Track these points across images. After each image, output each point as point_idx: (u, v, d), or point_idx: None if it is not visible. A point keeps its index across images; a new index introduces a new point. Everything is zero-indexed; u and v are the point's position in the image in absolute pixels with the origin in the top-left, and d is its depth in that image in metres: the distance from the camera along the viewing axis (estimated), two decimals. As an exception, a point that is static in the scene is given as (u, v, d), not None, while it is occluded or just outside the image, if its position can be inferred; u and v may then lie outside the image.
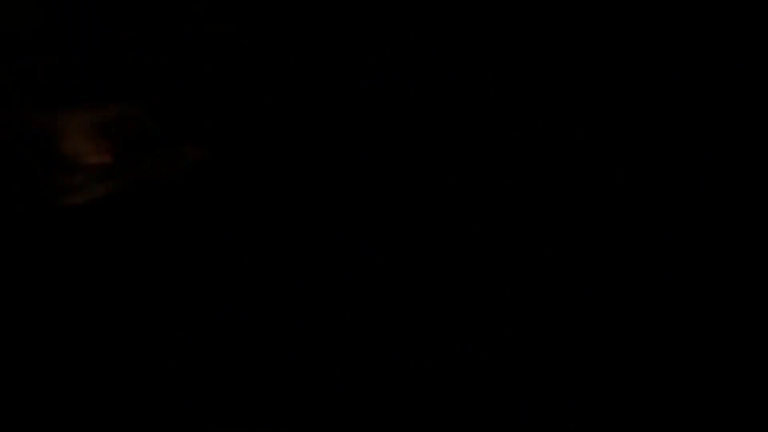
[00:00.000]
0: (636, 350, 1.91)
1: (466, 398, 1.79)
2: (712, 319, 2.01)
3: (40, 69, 3.57)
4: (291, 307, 2.22)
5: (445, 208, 2.68)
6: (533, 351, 1.93)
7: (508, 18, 3.17)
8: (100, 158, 3.43)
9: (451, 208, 2.68)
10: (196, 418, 1.80)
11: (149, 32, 3.79)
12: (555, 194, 2.66)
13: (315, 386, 1.87)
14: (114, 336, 2.15)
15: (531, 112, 2.98)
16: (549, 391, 1.78)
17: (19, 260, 2.51)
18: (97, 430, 1.74)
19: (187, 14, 3.61)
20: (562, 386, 1.80)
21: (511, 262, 2.34)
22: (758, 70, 2.70)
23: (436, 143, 2.98)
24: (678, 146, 2.72)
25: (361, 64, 3.35)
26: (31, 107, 3.40)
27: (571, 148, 2.82)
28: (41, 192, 3.04)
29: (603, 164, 2.74)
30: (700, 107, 2.76)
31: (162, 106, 3.34)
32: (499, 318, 2.08)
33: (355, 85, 3.28)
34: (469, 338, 2.00)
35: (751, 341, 1.91)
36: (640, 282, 2.20)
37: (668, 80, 2.85)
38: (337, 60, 3.32)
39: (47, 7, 3.91)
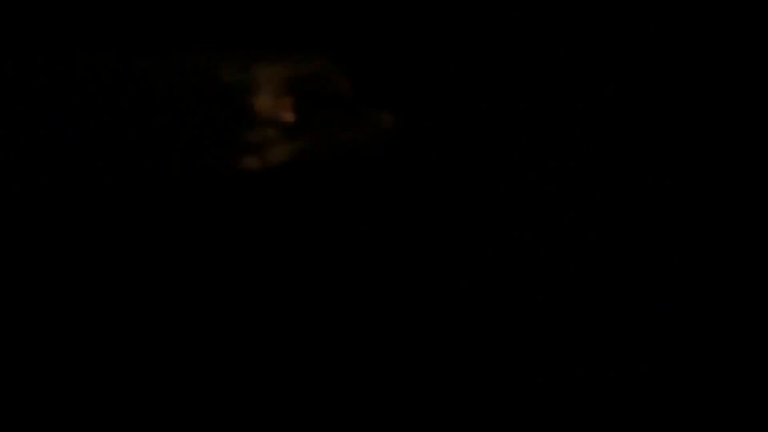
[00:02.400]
0: (636, 350, 2.14)
1: (466, 398, 2.01)
2: (712, 319, 2.25)
3: (227, 13, 3.49)
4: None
5: (445, 208, 2.63)
6: (533, 351, 2.15)
7: (509, 18, 3.02)
8: (287, 116, 3.24)
9: (452, 208, 2.62)
10: (197, 417, 1.95)
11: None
12: (555, 194, 2.56)
13: (315, 386, 2.04)
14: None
15: (531, 112, 2.92)
16: (549, 391, 2.02)
17: (189, 223, 2.56)
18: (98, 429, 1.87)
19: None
20: (562, 386, 2.04)
21: (511, 262, 2.56)
22: (758, 70, 2.52)
23: (437, 143, 2.92)
24: (678, 146, 2.61)
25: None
26: (216, 56, 3.26)
27: (571, 148, 2.75)
28: (221, 149, 2.90)
29: (603, 164, 2.66)
30: (700, 107, 2.62)
31: (361, 65, 3.14)
32: (500, 318, 2.33)
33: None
34: (469, 338, 2.22)
35: (751, 341, 2.13)
36: (639, 282, 2.43)
37: (668, 80, 2.72)
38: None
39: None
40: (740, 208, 2.34)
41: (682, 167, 2.53)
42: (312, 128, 2.82)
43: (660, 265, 2.39)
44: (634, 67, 2.73)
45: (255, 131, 2.65)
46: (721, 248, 2.41)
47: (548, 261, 2.33)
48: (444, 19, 3.15)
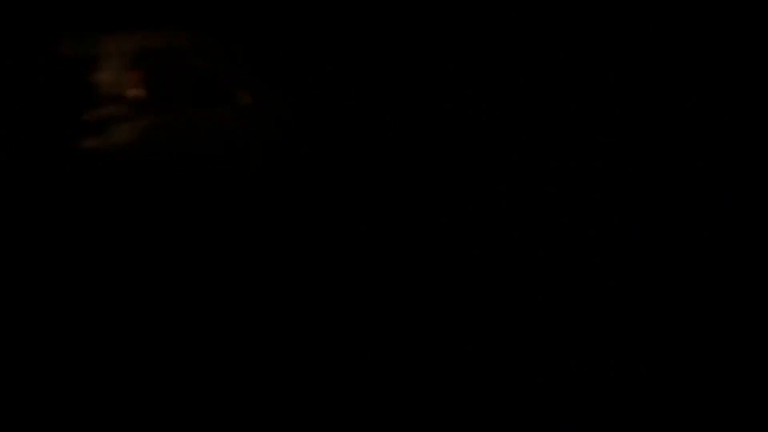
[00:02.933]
0: (635, 350, 1.90)
1: (465, 398, 1.76)
2: (712, 319, 1.99)
3: None
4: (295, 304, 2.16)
5: (445, 208, 2.58)
6: (533, 351, 1.91)
7: (508, 18, 2.96)
8: (135, 91, 3.09)
9: (451, 208, 2.57)
10: (197, 418, 1.77)
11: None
12: (554, 194, 2.54)
13: (315, 386, 1.86)
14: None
15: (531, 113, 2.81)
16: (549, 391, 1.77)
17: (38, 200, 2.39)
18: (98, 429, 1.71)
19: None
20: (561, 386, 1.78)
21: (511, 262, 2.28)
22: (758, 70, 2.55)
23: (436, 143, 2.80)
24: (677, 146, 2.59)
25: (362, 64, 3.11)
26: (63, 34, 3.07)
27: (570, 149, 2.69)
28: (70, 125, 2.73)
29: (603, 164, 2.60)
30: (700, 107, 2.62)
31: (214, 39, 3.05)
32: (499, 318, 2.04)
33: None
34: (469, 338, 1.96)
35: (750, 341, 1.90)
36: (639, 282, 2.16)
37: (668, 80, 2.70)
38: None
39: None
40: (740, 208, 2.32)
41: (682, 167, 2.48)
42: (162, 105, 2.65)
43: (660, 264, 2.20)
44: (634, 68, 2.62)
45: (100, 107, 2.49)
46: (721, 248, 2.22)
47: (547, 261, 2.26)
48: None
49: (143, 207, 2.47)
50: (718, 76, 2.62)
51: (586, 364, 1.88)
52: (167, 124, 2.93)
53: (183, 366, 1.92)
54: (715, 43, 2.63)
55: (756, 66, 2.56)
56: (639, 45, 2.76)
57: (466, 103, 2.85)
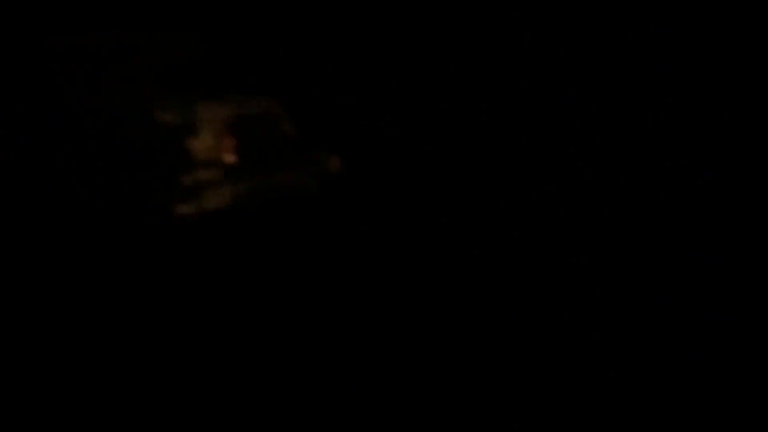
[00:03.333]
0: (635, 350, 1.90)
1: (465, 398, 1.76)
2: (712, 319, 1.98)
3: (175, 54, 3.42)
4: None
5: (445, 208, 2.65)
6: (533, 351, 1.91)
7: (509, 18, 3.09)
8: (230, 157, 3.18)
9: (452, 208, 2.63)
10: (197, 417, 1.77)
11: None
12: (554, 194, 2.59)
13: (315, 386, 1.85)
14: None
15: (531, 113, 2.95)
16: (549, 391, 1.75)
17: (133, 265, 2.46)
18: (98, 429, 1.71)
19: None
20: (561, 386, 1.77)
21: (511, 262, 2.32)
22: (758, 70, 2.70)
23: (437, 143, 2.95)
24: (677, 146, 2.70)
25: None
26: (161, 96, 3.19)
27: (570, 149, 2.80)
28: (165, 190, 2.82)
29: (603, 164, 2.71)
30: (700, 107, 2.75)
31: (303, 106, 3.12)
32: (499, 318, 2.07)
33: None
34: (468, 338, 1.99)
35: (750, 341, 1.89)
36: (638, 281, 2.17)
37: (668, 80, 2.83)
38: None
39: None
40: (740, 208, 2.39)
41: (682, 167, 2.59)
42: (255, 170, 2.73)
43: (659, 264, 2.24)
44: (634, 68, 2.64)
45: (196, 173, 2.56)
46: (721, 248, 2.26)
47: (547, 260, 2.32)
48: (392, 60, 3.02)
49: (234, 270, 2.51)
50: (719, 76, 2.71)
51: (586, 363, 1.87)
52: (259, 188, 2.99)
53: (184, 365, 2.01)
54: (715, 43, 2.73)
55: (756, 66, 2.65)
56: (639, 45, 2.85)
57: (467, 103, 2.85)
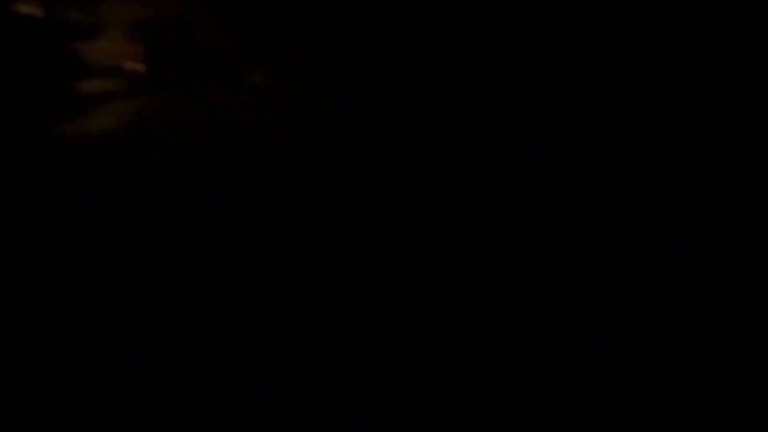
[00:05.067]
0: (635, 350, 1.88)
1: (465, 398, 1.75)
2: (712, 319, 1.98)
3: None
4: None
5: (445, 208, 2.58)
6: (532, 351, 1.90)
7: (509, 18, 2.94)
8: (134, 65, 2.82)
9: (452, 208, 2.58)
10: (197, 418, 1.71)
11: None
12: (554, 194, 2.56)
13: (315, 386, 1.81)
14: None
15: (531, 113, 2.84)
16: (548, 391, 1.75)
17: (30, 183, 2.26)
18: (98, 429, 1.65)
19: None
20: (561, 386, 1.76)
21: (511, 262, 2.29)
22: (758, 70, 2.57)
23: (437, 144, 2.82)
24: (677, 146, 2.60)
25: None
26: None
27: (570, 149, 2.70)
28: (58, 99, 2.46)
29: (602, 164, 2.62)
30: (700, 107, 2.62)
31: (227, 10, 2.80)
32: (499, 318, 2.04)
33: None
34: (468, 338, 1.95)
35: (750, 341, 1.89)
36: (638, 281, 2.16)
37: (668, 80, 2.70)
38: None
39: None
40: (740, 208, 2.36)
41: (682, 167, 2.51)
42: (163, 83, 2.44)
43: (659, 264, 2.24)
44: (634, 68, 2.58)
45: (92, 81, 2.27)
46: (721, 248, 2.26)
47: (547, 260, 2.31)
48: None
49: (133, 197, 2.26)
50: (718, 76, 2.57)
51: (586, 363, 1.85)
52: (167, 104, 2.65)
53: (183, 365, 1.90)
54: (715, 43, 2.58)
55: (756, 66, 2.52)
56: (639, 45, 2.70)
57: (466, 103, 2.77)
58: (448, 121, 2.69)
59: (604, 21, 2.69)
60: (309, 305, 2.09)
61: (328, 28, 2.73)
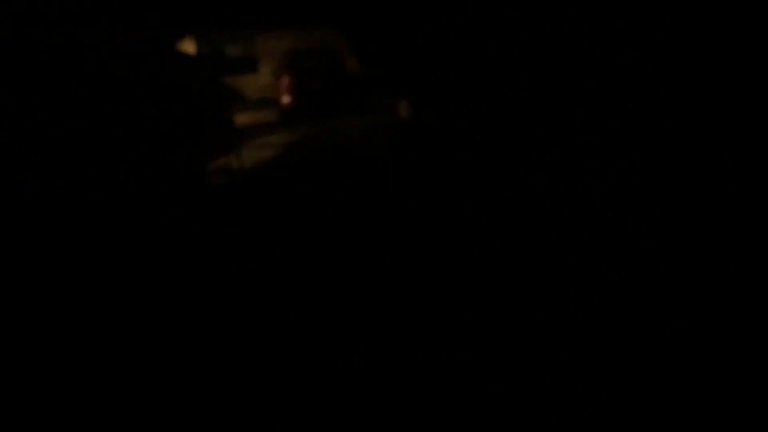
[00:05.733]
0: (635, 350, 1.84)
1: (465, 398, 1.70)
2: (712, 319, 1.92)
3: None
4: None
5: (446, 208, 2.56)
6: (532, 351, 1.85)
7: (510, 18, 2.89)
8: (285, 97, 2.87)
9: (452, 208, 2.55)
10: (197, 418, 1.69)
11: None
12: (554, 194, 2.49)
13: (315, 386, 1.76)
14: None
15: (531, 113, 2.75)
16: (549, 391, 1.71)
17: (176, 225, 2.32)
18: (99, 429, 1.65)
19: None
20: (561, 386, 1.72)
21: (511, 263, 2.23)
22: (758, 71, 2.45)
23: (438, 143, 2.68)
24: (677, 146, 2.51)
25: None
26: (223, 34, 2.89)
27: (570, 149, 2.61)
28: (215, 132, 2.53)
29: (602, 164, 2.53)
30: (700, 107, 2.51)
31: (376, 40, 2.82)
32: (499, 318, 1.97)
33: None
34: (468, 338, 1.90)
35: (750, 341, 1.84)
36: (638, 281, 2.08)
37: (668, 80, 2.60)
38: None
39: None
40: (740, 208, 2.24)
41: (682, 167, 2.40)
42: (313, 114, 2.44)
43: (659, 263, 2.14)
44: (636, 69, 2.51)
45: (247, 115, 2.28)
46: (721, 248, 2.15)
47: (547, 260, 2.22)
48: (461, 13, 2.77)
49: (282, 223, 2.33)
50: (718, 76, 2.50)
51: (586, 363, 1.77)
52: (315, 135, 2.67)
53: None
54: (715, 43, 2.50)
55: (756, 66, 2.43)
56: (639, 45, 2.63)
57: (467, 103, 2.69)
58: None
59: (606, 22, 2.65)
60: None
61: (472, 60, 2.72)
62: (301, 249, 2.38)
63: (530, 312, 1.97)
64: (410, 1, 2.95)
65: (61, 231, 2.50)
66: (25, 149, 2.50)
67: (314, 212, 2.57)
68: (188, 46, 3.53)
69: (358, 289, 2.13)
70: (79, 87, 2.65)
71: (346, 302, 2.07)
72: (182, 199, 2.40)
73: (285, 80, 3.17)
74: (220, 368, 1.83)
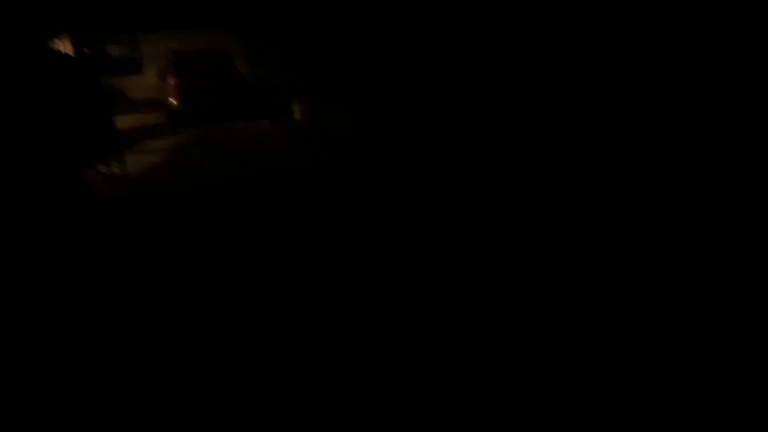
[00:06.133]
0: (635, 350, 1.80)
1: (464, 398, 1.67)
2: (712, 319, 1.88)
3: None
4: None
5: (446, 208, 2.46)
6: (532, 351, 1.81)
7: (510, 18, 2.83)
8: (173, 99, 2.74)
9: (452, 208, 2.45)
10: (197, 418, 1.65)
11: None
12: (554, 194, 2.43)
13: (315, 386, 1.73)
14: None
15: (532, 113, 2.69)
16: (548, 391, 1.67)
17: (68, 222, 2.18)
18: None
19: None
20: (561, 386, 1.68)
21: (511, 263, 2.18)
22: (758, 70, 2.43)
23: (437, 144, 2.66)
24: (677, 147, 2.50)
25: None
26: (104, 34, 2.75)
27: (570, 149, 2.57)
28: (99, 136, 2.38)
29: (602, 165, 2.50)
30: (700, 107, 2.51)
31: (265, 41, 2.73)
32: (498, 318, 1.93)
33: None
34: (468, 338, 1.86)
35: (750, 341, 1.80)
36: (638, 281, 2.04)
37: (668, 80, 2.61)
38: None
39: None
40: (740, 208, 2.21)
41: (682, 167, 2.35)
42: (203, 117, 2.38)
43: (659, 265, 2.09)
44: (632, 68, 2.45)
45: (133, 117, 2.21)
46: (721, 248, 2.11)
47: (549, 260, 2.15)
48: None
49: (166, 234, 2.19)
50: (718, 76, 2.46)
51: (586, 364, 1.76)
52: (203, 138, 2.56)
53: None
54: (715, 43, 2.47)
55: (756, 66, 2.39)
56: (639, 45, 2.62)
57: (467, 103, 2.68)
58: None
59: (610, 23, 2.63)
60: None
61: (364, 59, 2.65)
62: (198, 261, 2.29)
63: (529, 312, 1.92)
64: (305, 1, 2.89)
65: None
66: None
67: (212, 218, 2.47)
68: (64, 46, 3.34)
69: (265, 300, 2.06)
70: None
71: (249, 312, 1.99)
72: (61, 210, 2.25)
73: (171, 81, 3.04)
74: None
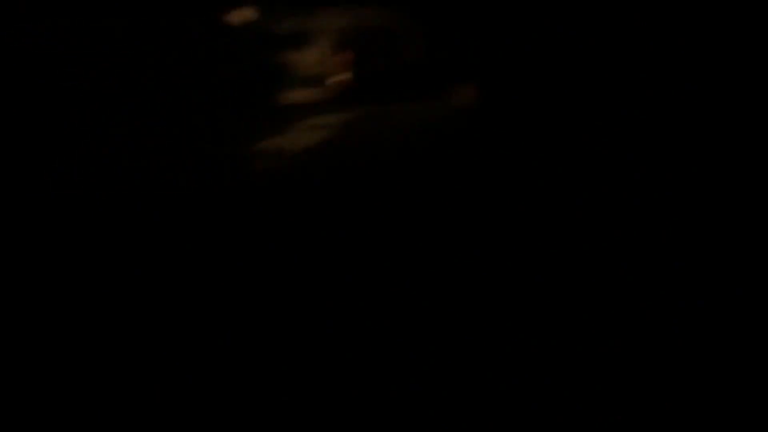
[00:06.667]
0: (635, 350, 1.87)
1: (464, 398, 1.73)
2: (712, 319, 1.96)
3: None
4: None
5: (446, 208, 2.52)
6: (532, 351, 1.88)
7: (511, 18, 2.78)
8: (340, 77, 2.77)
9: (452, 208, 2.51)
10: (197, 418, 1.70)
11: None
12: (555, 194, 2.48)
13: (315, 386, 1.79)
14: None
15: (534, 114, 2.72)
16: (548, 391, 1.74)
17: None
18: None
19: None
20: (561, 386, 1.76)
21: (511, 263, 2.24)
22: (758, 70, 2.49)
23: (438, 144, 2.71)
24: (677, 146, 2.53)
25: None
26: (268, 7, 2.82)
27: (571, 149, 2.62)
28: (265, 111, 2.44)
29: (602, 164, 2.53)
30: (700, 107, 2.53)
31: (438, 22, 2.73)
32: (498, 318, 2.02)
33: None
34: (468, 338, 1.94)
35: (750, 341, 1.86)
36: (638, 282, 2.12)
37: (668, 80, 2.62)
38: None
39: None
40: (740, 208, 2.29)
41: (682, 167, 2.43)
42: (369, 96, 2.14)
43: (659, 265, 2.19)
44: (632, 68, 2.64)
45: (300, 93, 2.25)
46: (721, 248, 2.20)
47: (548, 262, 2.28)
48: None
49: (326, 208, 2.27)
50: (718, 76, 2.51)
51: (586, 364, 1.85)
52: (372, 118, 2.59)
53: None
54: (715, 43, 2.51)
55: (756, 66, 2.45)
56: (639, 45, 2.62)
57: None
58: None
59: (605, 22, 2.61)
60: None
61: (543, 48, 2.65)
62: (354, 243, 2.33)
63: (529, 312, 2.01)
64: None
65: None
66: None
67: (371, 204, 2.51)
68: (235, 17, 3.45)
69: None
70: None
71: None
72: (216, 192, 2.31)
73: (344, 56, 3.06)
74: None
